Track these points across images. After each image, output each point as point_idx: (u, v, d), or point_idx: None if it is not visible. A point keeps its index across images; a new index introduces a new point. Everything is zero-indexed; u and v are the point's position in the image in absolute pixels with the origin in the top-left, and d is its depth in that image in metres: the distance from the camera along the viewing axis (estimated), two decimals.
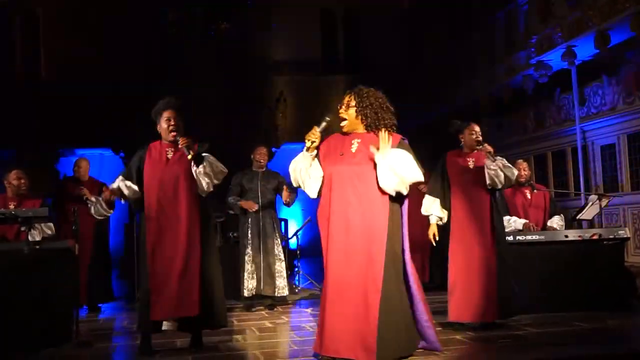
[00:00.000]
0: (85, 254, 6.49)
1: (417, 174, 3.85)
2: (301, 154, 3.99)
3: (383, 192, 3.85)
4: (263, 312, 6.60)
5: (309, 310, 6.70)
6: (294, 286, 8.24)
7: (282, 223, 10.02)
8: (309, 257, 10.31)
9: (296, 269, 8.89)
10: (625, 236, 6.16)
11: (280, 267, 6.81)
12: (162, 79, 12.97)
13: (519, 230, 6.20)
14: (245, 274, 6.74)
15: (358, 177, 3.84)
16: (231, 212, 7.06)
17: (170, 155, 4.65)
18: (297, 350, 4.55)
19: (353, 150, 3.91)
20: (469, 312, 5.09)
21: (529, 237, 6.04)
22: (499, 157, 5.20)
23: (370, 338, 3.65)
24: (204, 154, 4.59)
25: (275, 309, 6.71)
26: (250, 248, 6.77)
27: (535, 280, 5.87)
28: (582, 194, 10.09)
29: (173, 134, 4.58)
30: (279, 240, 6.89)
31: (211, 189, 4.66)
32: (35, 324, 4.76)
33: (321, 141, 3.98)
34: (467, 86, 13.67)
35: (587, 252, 6.07)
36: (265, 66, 15.87)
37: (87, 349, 4.85)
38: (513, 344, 4.61)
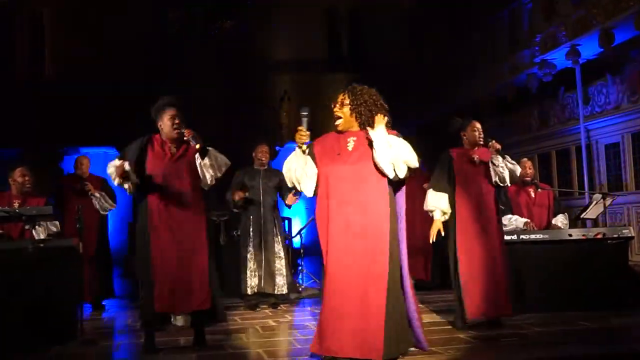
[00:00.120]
0: (88, 251, 6.50)
1: (412, 155, 3.80)
2: (294, 154, 3.98)
3: (383, 190, 3.83)
4: (267, 310, 6.61)
5: (312, 309, 6.70)
6: (298, 285, 8.24)
7: (286, 222, 10.03)
8: (312, 255, 10.30)
9: (300, 268, 8.89)
10: (629, 235, 6.15)
11: (280, 265, 6.81)
12: (162, 79, 12.99)
13: (521, 230, 6.20)
14: (248, 272, 6.75)
15: (357, 176, 3.83)
16: (235, 210, 7.07)
17: (173, 151, 4.65)
18: (301, 348, 4.56)
19: (349, 148, 3.90)
20: (488, 308, 5.09)
21: (532, 236, 6.04)
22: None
23: (378, 336, 3.65)
24: (208, 147, 4.60)
25: (279, 308, 6.72)
26: (251, 246, 6.78)
27: (539, 279, 5.87)
28: (586, 193, 10.07)
29: (177, 130, 4.58)
30: (279, 238, 6.89)
31: (214, 182, 4.68)
32: (40, 323, 4.78)
33: (312, 138, 3.97)
34: (469, 85, 13.67)
35: (591, 251, 6.06)
36: (267, 65, 15.88)
37: (91, 347, 4.86)
38: (517, 343, 4.61)
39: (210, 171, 4.61)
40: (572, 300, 5.79)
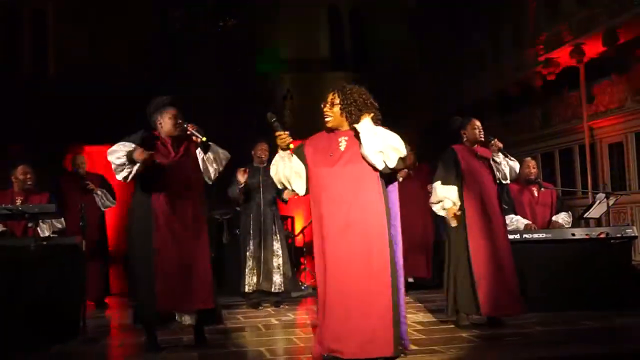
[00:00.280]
0: (89, 248, 6.52)
1: (400, 143, 3.77)
2: (278, 156, 3.97)
3: (378, 188, 3.82)
4: (269, 309, 6.61)
5: (315, 307, 6.69)
6: (300, 283, 8.24)
7: (290, 220, 10.04)
8: None
9: (303, 266, 8.89)
10: (632, 235, 6.13)
11: (278, 263, 6.79)
12: (162, 79, 13.00)
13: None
14: (247, 270, 6.75)
15: (352, 176, 3.81)
16: (238, 208, 7.06)
17: (176, 150, 4.63)
18: (303, 347, 4.56)
19: (342, 148, 3.89)
20: (503, 305, 5.08)
21: (535, 236, 6.02)
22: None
23: (388, 333, 3.65)
24: (209, 142, 4.59)
25: (282, 307, 6.72)
26: (251, 244, 6.78)
27: (542, 279, 5.85)
28: (589, 192, 10.05)
29: (179, 128, 4.57)
30: (278, 236, 6.88)
31: (216, 176, 4.70)
32: (42, 321, 4.78)
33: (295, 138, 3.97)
34: (473, 84, 13.66)
35: (594, 250, 6.04)
36: (269, 64, 15.87)
37: (93, 345, 4.87)
38: (519, 342, 4.60)
39: (214, 165, 4.65)
40: (574, 300, 5.77)
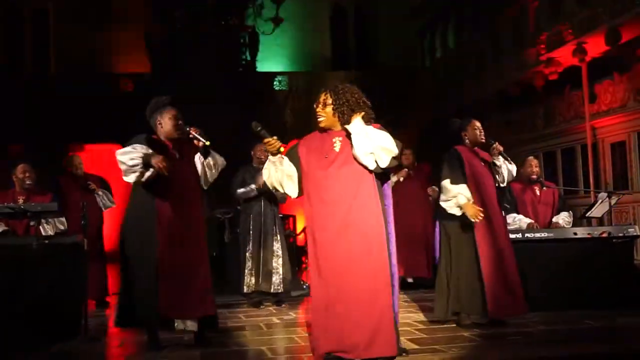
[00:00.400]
0: (90, 248, 6.51)
1: (391, 142, 3.76)
2: (269, 161, 3.96)
3: (374, 188, 3.81)
4: (271, 308, 6.61)
5: None
6: (302, 282, 8.23)
7: (291, 219, 10.04)
8: None
9: (304, 265, 8.89)
10: (634, 234, 6.12)
11: (277, 264, 6.79)
12: (162, 79, 12.99)
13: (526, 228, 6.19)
14: (246, 270, 6.76)
15: (348, 177, 3.80)
16: (239, 207, 7.07)
17: (177, 153, 4.61)
18: (304, 346, 4.55)
19: (337, 149, 3.88)
20: (507, 306, 5.08)
21: (537, 235, 6.02)
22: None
23: (390, 332, 3.65)
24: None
25: (283, 306, 6.72)
26: (251, 244, 6.79)
27: (544, 278, 5.85)
28: (591, 192, 10.04)
29: (180, 130, 4.55)
30: (278, 236, 6.88)
31: (212, 181, 4.70)
32: (44, 319, 4.78)
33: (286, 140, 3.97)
34: (475, 84, 13.64)
35: (596, 250, 6.04)
36: (271, 63, 15.86)
37: (95, 344, 4.87)
38: (521, 341, 4.60)
39: (213, 170, 4.63)
40: (576, 299, 5.77)
